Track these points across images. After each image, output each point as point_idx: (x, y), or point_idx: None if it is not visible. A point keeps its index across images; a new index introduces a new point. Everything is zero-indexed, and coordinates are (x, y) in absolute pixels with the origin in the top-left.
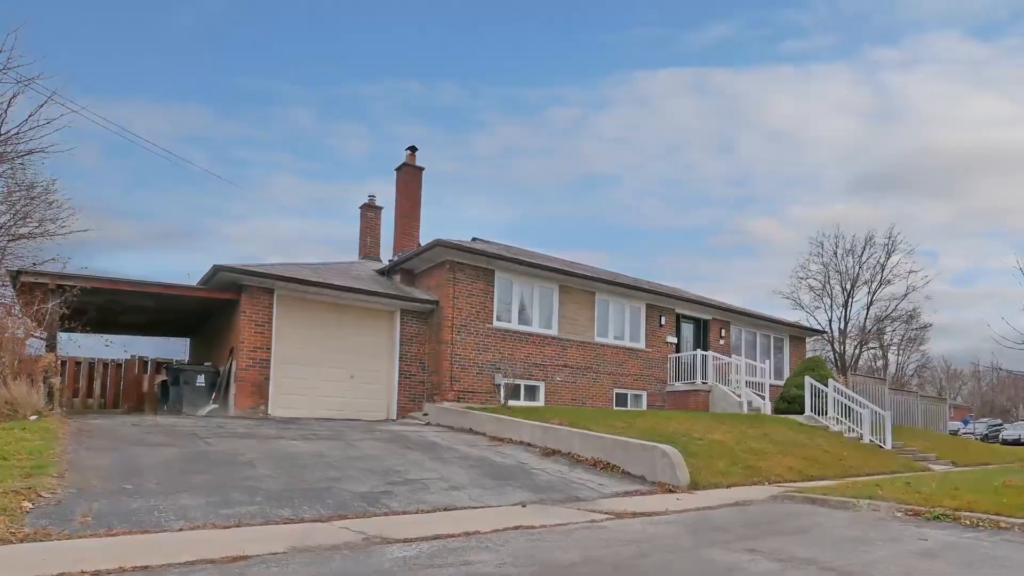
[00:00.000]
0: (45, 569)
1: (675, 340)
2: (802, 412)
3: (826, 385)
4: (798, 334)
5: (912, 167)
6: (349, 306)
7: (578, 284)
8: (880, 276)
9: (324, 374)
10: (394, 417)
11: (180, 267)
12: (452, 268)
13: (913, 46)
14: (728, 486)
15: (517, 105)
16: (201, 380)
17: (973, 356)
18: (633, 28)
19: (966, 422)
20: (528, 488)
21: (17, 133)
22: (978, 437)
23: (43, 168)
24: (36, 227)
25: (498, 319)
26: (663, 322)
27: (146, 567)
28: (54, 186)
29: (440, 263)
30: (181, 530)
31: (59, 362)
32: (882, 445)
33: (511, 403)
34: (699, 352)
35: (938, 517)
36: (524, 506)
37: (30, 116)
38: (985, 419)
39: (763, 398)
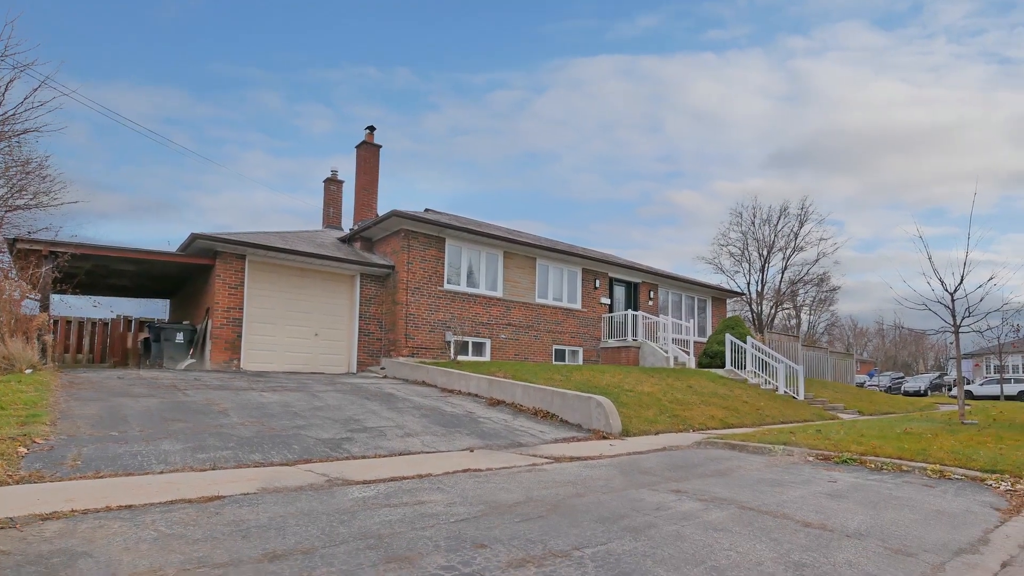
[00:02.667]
0: (39, 508)
1: (608, 301)
2: (723, 366)
3: (745, 342)
4: (719, 296)
5: (822, 145)
6: (314, 270)
7: (521, 250)
8: (794, 243)
9: (291, 332)
10: (354, 371)
11: (161, 235)
12: (407, 236)
13: (821, 35)
14: (656, 433)
15: (465, 89)
16: (180, 337)
17: (877, 315)
18: (570, 19)
19: (871, 375)
20: (475, 435)
21: (14, 114)
22: (882, 389)
23: (37, 146)
24: (31, 199)
25: (448, 282)
26: (597, 285)
27: (130, 506)
28: (47, 162)
29: (396, 231)
30: (162, 473)
31: (51, 321)
32: (796, 396)
33: (460, 358)
34: (630, 312)
35: (846, 461)
36: (472, 451)
37: (25, 99)
38: (888, 372)
39: (688, 354)
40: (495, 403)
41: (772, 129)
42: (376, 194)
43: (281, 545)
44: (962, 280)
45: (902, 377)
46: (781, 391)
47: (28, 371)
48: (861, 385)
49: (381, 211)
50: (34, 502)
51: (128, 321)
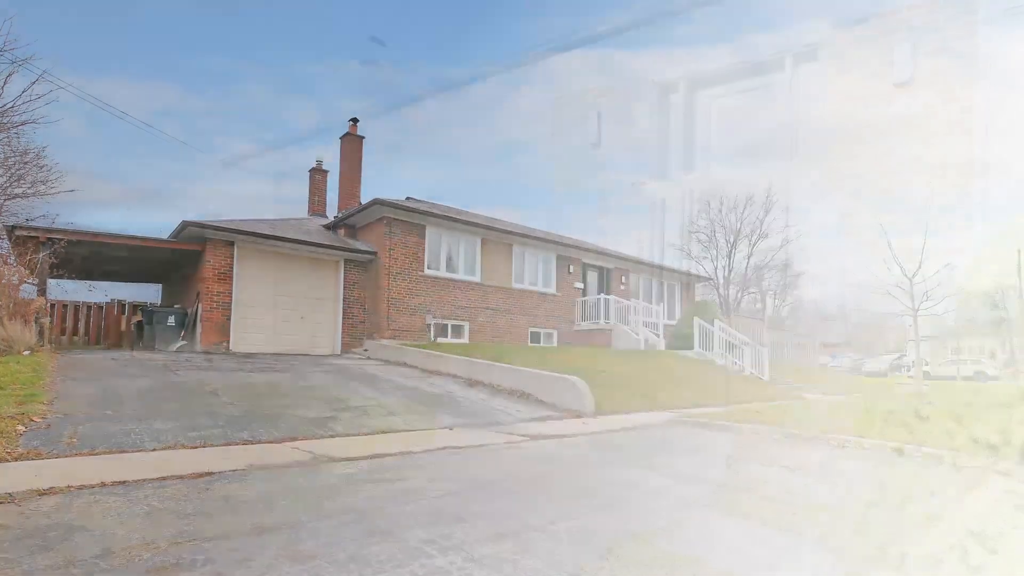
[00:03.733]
0: (37, 484)
1: (582, 286)
2: (692, 348)
3: (713, 325)
4: (688, 281)
5: (786, 136)
6: (300, 256)
7: (498, 237)
8: (759, 230)
9: (278, 315)
10: (338, 352)
11: (153, 222)
12: (389, 223)
13: (787, 32)
14: (628, 412)
15: (445, 82)
16: (172, 320)
17: (840, 300)
18: (547, 16)
19: (834, 357)
20: (455, 414)
21: (12, 107)
22: (844, 370)
23: (35, 136)
24: (29, 188)
25: (429, 267)
26: (571, 270)
27: (124, 482)
28: (44, 152)
29: (378, 219)
30: (154, 450)
31: (49, 305)
32: (761, 377)
33: (440, 340)
34: (603, 296)
35: (810, 439)
36: (451, 429)
37: (23, 92)
38: (850, 354)
39: (658, 336)
40: (474, 383)
41: (740, 122)
42: (359, 183)
43: (268, 519)
44: (920, 267)
45: (863, 359)
46: (747, 372)
47: (26, 353)
48: (824, 366)
49: (364, 199)
50: (32, 478)
51: (122, 305)
